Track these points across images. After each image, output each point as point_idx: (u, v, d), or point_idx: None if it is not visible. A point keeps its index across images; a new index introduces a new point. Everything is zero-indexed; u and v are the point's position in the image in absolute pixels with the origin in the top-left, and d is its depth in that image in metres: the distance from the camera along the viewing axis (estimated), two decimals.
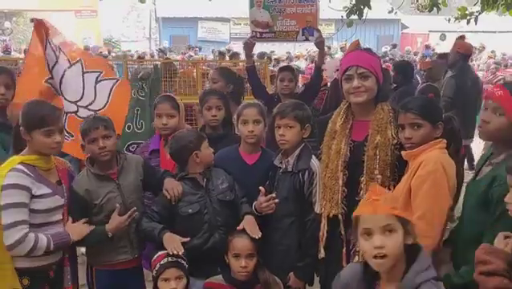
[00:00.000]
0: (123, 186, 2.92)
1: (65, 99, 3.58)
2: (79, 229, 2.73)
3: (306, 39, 4.84)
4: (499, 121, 2.24)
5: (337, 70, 3.43)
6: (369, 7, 6.78)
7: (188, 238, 2.81)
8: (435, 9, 7.83)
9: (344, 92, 2.77)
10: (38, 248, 2.53)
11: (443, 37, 22.49)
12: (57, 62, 3.57)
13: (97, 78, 3.64)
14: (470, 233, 2.29)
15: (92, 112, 3.50)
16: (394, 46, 15.70)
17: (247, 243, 2.76)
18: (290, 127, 2.89)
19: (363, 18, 6.85)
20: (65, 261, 2.76)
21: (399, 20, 25.86)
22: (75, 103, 3.61)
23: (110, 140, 2.86)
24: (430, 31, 24.53)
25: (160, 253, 2.73)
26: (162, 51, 15.79)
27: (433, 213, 2.38)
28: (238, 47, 18.88)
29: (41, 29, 3.56)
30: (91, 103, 3.65)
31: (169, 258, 2.70)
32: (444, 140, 2.54)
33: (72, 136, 3.45)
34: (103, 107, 3.65)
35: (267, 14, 4.82)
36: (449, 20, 10.52)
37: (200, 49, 18.59)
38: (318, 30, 4.77)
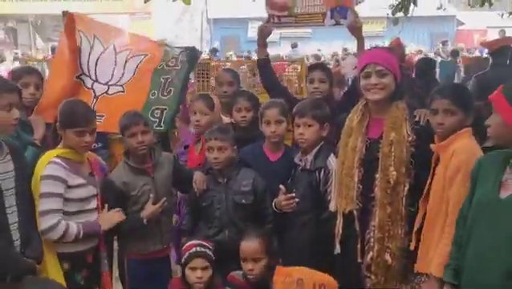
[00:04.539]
0: (156, 180, 3.11)
1: (99, 83, 3.73)
2: (109, 218, 2.91)
3: (337, 23, 3.66)
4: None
5: (355, 67, 3.23)
6: (415, 4, 6.64)
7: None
8: (492, 5, 7.67)
9: (362, 89, 2.81)
10: (68, 235, 2.73)
11: (502, 33, 21.60)
12: (92, 50, 3.75)
13: (127, 56, 3.78)
14: (505, 261, 2.09)
15: (120, 88, 3.68)
16: (443, 43, 15.25)
17: (253, 247, 2.86)
18: (309, 125, 2.97)
19: (410, 14, 6.71)
20: (101, 247, 2.94)
21: (454, 16, 25.07)
22: (106, 84, 3.75)
23: (148, 135, 3.06)
24: (488, 27, 23.64)
25: (189, 242, 2.89)
26: (215, 51, 16.05)
27: (461, 204, 2.39)
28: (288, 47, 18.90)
29: (72, 22, 3.67)
30: (119, 79, 3.77)
31: (198, 248, 2.84)
32: (470, 129, 2.55)
33: (103, 117, 3.55)
34: (128, 81, 3.75)
35: None
36: (502, 15, 10.21)
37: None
38: (354, 11, 3.62)
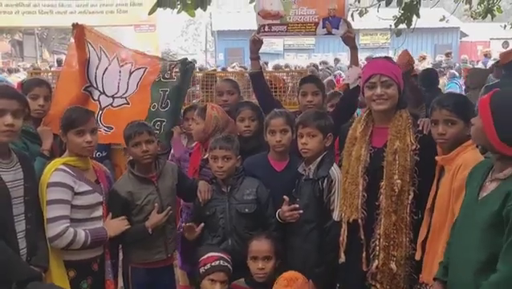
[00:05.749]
0: (161, 189, 3.12)
1: (106, 96, 3.79)
2: (115, 225, 2.94)
3: (329, 33, 3.70)
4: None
5: (359, 77, 3.19)
6: (418, 16, 6.68)
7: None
8: (495, 16, 7.70)
9: (366, 99, 2.84)
10: (76, 242, 2.75)
11: (505, 44, 21.68)
12: (99, 63, 3.79)
13: (130, 69, 3.83)
14: (477, 259, 2.14)
15: (125, 100, 3.76)
16: (447, 54, 15.26)
17: (264, 246, 2.89)
18: (313, 136, 2.98)
19: (413, 26, 6.74)
20: (106, 255, 2.95)
21: (458, 28, 25.20)
22: (112, 96, 3.80)
23: (152, 144, 3.08)
24: (491, 39, 23.74)
25: (212, 254, 2.90)
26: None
27: None
28: (291, 58, 18.96)
29: (82, 34, 3.73)
30: (125, 92, 3.82)
31: (221, 262, 2.85)
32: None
33: (112, 129, 3.68)
34: (132, 93, 3.81)
35: (278, 1, 3.71)
36: (505, 27, 10.29)
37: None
38: (347, 22, 3.65)
